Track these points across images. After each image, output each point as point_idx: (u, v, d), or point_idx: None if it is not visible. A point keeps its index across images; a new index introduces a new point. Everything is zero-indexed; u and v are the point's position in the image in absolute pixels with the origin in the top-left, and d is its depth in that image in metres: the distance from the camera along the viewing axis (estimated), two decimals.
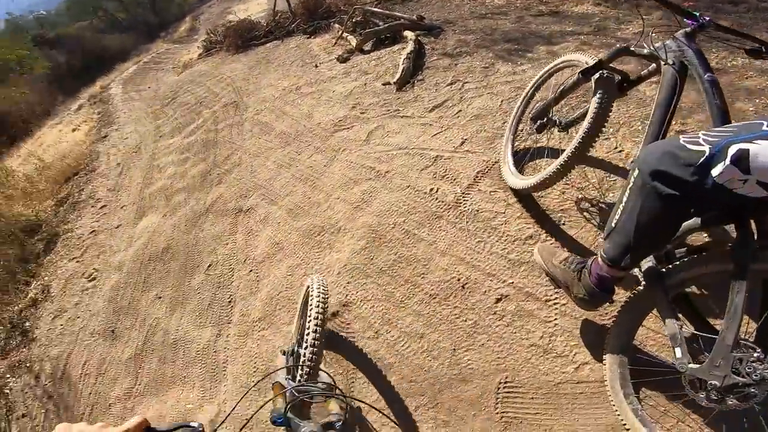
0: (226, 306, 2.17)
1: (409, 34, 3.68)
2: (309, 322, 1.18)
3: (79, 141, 5.97)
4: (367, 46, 4.08)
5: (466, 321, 1.51)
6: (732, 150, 0.78)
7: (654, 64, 1.24)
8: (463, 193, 1.91)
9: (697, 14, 1.14)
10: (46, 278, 3.35)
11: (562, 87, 1.56)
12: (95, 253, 3.31)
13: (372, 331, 1.63)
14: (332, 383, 0.96)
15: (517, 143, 1.85)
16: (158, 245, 2.93)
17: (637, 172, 0.92)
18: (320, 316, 1.20)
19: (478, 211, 1.80)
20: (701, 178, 0.81)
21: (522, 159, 1.81)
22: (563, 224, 1.61)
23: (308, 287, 1.34)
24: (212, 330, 2.10)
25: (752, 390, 0.87)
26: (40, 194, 4.65)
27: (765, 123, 0.79)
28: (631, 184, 0.95)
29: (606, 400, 1.15)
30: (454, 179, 2.01)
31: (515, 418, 1.26)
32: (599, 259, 1.06)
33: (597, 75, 1.34)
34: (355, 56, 4.03)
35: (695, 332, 1.02)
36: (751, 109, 1.80)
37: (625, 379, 1.11)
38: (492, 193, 1.84)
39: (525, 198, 1.75)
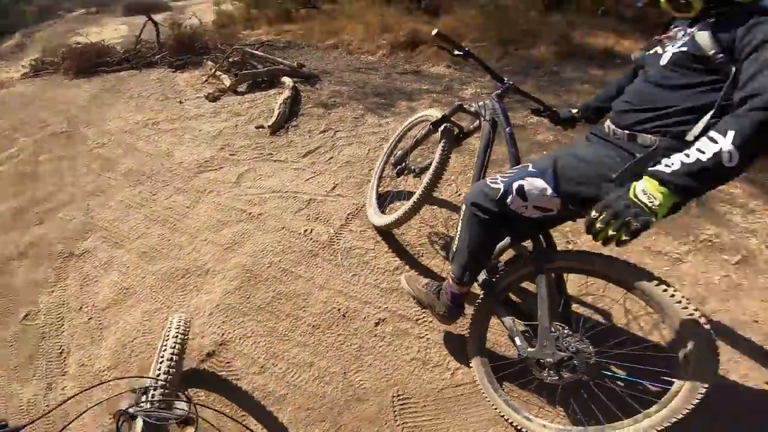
0: (57, 358, 1.82)
1: (287, 80, 3.83)
2: (162, 353, 1.17)
3: None
4: (242, 88, 4.09)
5: (351, 345, 1.63)
6: (515, 186, 1.13)
7: (477, 122, 1.62)
8: (336, 233, 2.07)
9: (505, 79, 1.55)
10: None
11: (416, 137, 1.91)
12: None
13: (257, 366, 1.60)
14: (188, 411, 0.90)
15: (381, 188, 2.13)
16: None
17: (464, 206, 1.24)
18: (176, 346, 1.20)
19: (350, 248, 1.98)
20: (501, 207, 1.16)
21: (384, 201, 2.09)
22: (421, 256, 1.92)
23: (167, 325, 1.31)
24: (38, 383, 1.75)
25: (574, 362, 1.15)
26: None
27: (530, 165, 1.17)
28: (461, 216, 1.26)
29: (482, 397, 1.41)
30: (327, 221, 2.15)
31: (415, 427, 1.41)
32: (449, 279, 1.36)
33: (442, 127, 1.71)
34: (227, 96, 4.00)
35: (524, 324, 1.36)
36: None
37: (490, 376, 1.39)
38: (362, 233, 2.05)
39: (389, 235, 2.01)
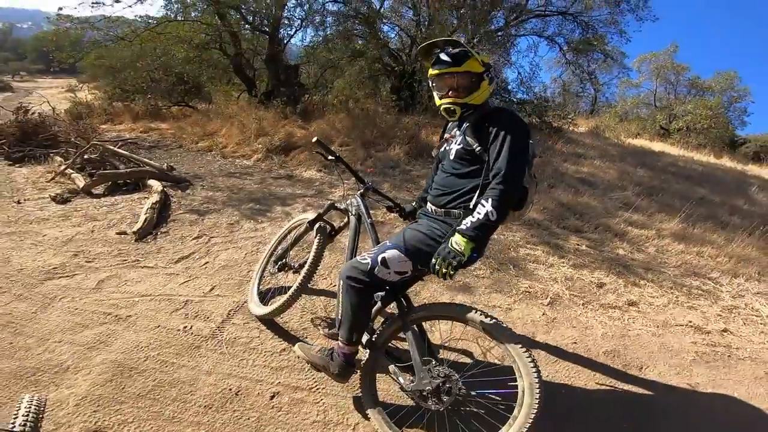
0: None
1: (155, 184, 3.91)
2: (14, 417, 1.17)
3: None
4: (99, 190, 3.99)
5: (249, 419, 1.76)
6: (379, 258, 1.61)
7: (346, 219, 2.13)
8: (218, 327, 2.24)
9: (366, 180, 2.08)
10: None
11: (294, 236, 2.34)
12: None
13: None
14: None
15: (262, 285, 2.43)
16: None
17: (341, 281, 1.68)
18: (27, 424, 1.18)
19: (235, 338, 2.18)
20: (370, 276, 1.62)
21: (266, 296, 2.38)
22: (306, 338, 2.24)
23: (15, 406, 1.24)
24: None
25: (447, 385, 1.54)
26: None
27: (387, 242, 1.68)
28: (339, 289, 1.69)
29: None
30: (208, 317, 2.31)
31: None
32: (340, 343, 1.71)
33: (317, 225, 2.18)
34: (80, 198, 3.85)
35: (402, 365, 1.72)
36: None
37: (388, 422, 1.67)
38: (245, 324, 2.28)
39: (273, 324, 2.29)
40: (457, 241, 1.48)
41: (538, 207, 4.66)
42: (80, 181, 4.00)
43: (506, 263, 3.33)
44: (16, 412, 1.22)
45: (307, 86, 8.86)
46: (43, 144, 5.17)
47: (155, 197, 3.57)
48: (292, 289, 2.10)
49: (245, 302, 2.41)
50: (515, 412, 1.52)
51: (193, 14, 7.97)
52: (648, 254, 3.99)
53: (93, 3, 7.15)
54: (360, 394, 1.80)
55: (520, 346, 1.54)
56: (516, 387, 1.54)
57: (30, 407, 1.23)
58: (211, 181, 4.44)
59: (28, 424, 1.17)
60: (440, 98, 1.65)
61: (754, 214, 5.79)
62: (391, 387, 1.96)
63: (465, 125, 1.63)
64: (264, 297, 2.36)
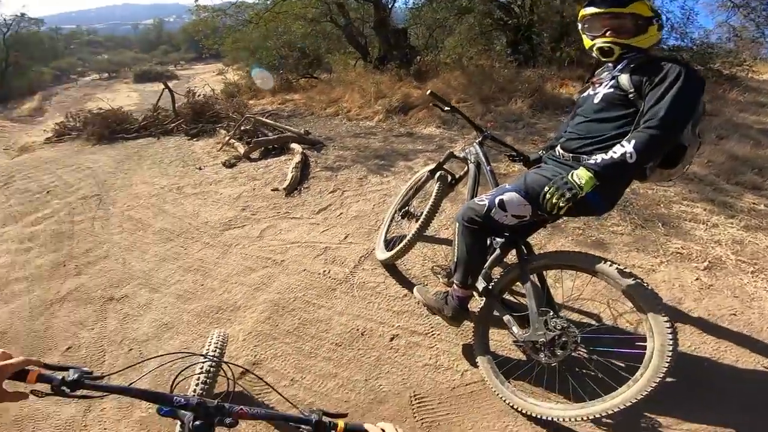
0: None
1: (296, 147, 4.46)
2: (207, 347, 1.52)
3: None
4: (255, 155, 4.70)
5: (370, 357, 1.98)
6: (497, 200, 1.56)
7: (466, 168, 2.13)
8: (350, 272, 2.52)
9: (484, 129, 2.08)
10: None
11: (416, 186, 2.44)
12: None
13: (287, 380, 1.92)
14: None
15: (390, 233, 2.60)
16: None
17: (456, 223, 1.69)
18: (218, 344, 1.52)
19: (364, 283, 2.43)
20: (486, 218, 1.58)
21: (391, 242, 2.54)
22: (425, 285, 2.36)
23: (208, 337, 1.61)
24: (76, 406, 1.96)
25: (563, 338, 1.47)
26: None
27: (506, 185, 1.61)
28: (456, 232, 1.70)
29: (491, 393, 1.69)
30: (343, 263, 2.61)
31: (432, 422, 1.68)
32: (455, 285, 1.73)
33: (437, 174, 2.23)
34: (242, 163, 4.60)
35: (518, 315, 1.68)
36: None
37: (496, 372, 1.68)
38: (374, 270, 2.52)
39: (396, 271, 2.47)
40: (579, 174, 1.35)
41: (701, 160, 3.81)
42: (241, 148, 4.80)
43: (653, 220, 2.88)
44: (208, 344, 1.55)
45: (417, 48, 8.81)
46: (210, 120, 6.28)
47: (297, 158, 4.10)
48: (409, 235, 2.22)
49: (374, 249, 2.64)
50: (638, 373, 1.39)
51: None
52: None
53: None
54: (472, 343, 1.84)
55: (655, 301, 1.38)
56: (643, 348, 1.40)
57: (218, 340, 1.56)
58: (341, 142, 4.83)
59: (217, 352, 1.50)
60: (593, 39, 1.51)
61: None
62: (504, 339, 1.97)
63: (621, 68, 1.46)
64: (389, 244, 2.54)
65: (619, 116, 1.43)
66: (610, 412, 1.41)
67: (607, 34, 1.46)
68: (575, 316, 2.08)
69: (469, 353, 1.89)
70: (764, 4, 7.45)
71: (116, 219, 3.71)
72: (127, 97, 10.70)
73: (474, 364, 1.81)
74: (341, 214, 3.16)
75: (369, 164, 4.01)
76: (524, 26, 7.46)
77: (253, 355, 2.06)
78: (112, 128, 6.25)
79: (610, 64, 1.53)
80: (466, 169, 2.14)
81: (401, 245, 2.26)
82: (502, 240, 1.77)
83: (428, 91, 2.12)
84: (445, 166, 2.26)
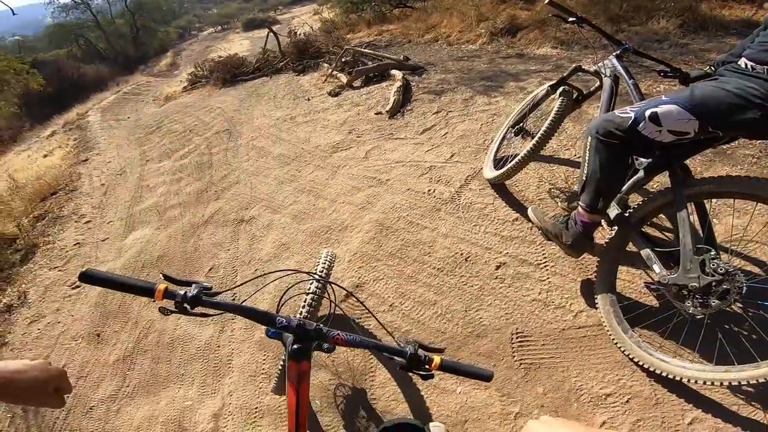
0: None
1: (396, 73, 4.38)
2: (316, 267, 1.58)
3: (53, 165, 6.11)
4: (357, 83, 4.74)
5: (472, 287, 1.86)
6: (647, 113, 1.27)
7: (598, 83, 1.83)
8: (456, 191, 2.41)
9: (623, 41, 1.74)
10: (22, 286, 3.41)
11: (534, 102, 2.17)
12: (79, 263, 3.45)
13: (386, 305, 1.94)
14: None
15: (501, 152, 2.41)
16: (152, 254, 3.14)
17: (589, 137, 1.41)
18: (326, 263, 1.57)
19: (471, 203, 2.30)
20: (630, 132, 1.30)
21: (502, 161, 2.34)
22: (545, 209, 2.10)
23: (319, 256, 1.67)
24: (214, 327, 2.25)
25: (724, 285, 1.19)
26: (13, 212, 4.72)
27: (663, 96, 1.31)
28: (588, 146, 1.42)
29: (608, 340, 1.46)
30: (448, 182, 2.51)
31: (532, 364, 1.53)
32: (580, 209, 1.48)
33: (560, 88, 1.94)
34: (346, 91, 4.67)
35: (663, 250, 1.38)
36: None
37: (619, 317, 1.43)
38: (481, 190, 2.36)
39: (507, 192, 2.27)
40: None
41: None
42: (343, 78, 4.89)
43: None
44: (317, 263, 1.59)
45: None
46: (313, 56, 6.51)
47: (399, 83, 4.03)
48: (522, 153, 2.00)
49: (482, 169, 2.47)
50: None
51: None
52: None
53: None
54: (594, 279, 1.56)
55: None
56: None
57: (326, 260, 1.59)
58: (443, 66, 4.57)
59: (324, 272, 1.54)
60: None
61: None
62: (634, 280, 1.66)
63: None
64: (499, 162, 2.35)
65: None
66: (763, 380, 1.13)
67: None
68: (736, 262, 1.64)
69: (588, 292, 1.63)
70: None
71: (243, 149, 4.18)
72: (239, 45, 11.58)
73: (592, 305, 1.57)
74: (446, 133, 3.03)
75: (475, 86, 3.71)
76: None
77: (357, 276, 2.11)
78: (232, 72, 6.90)
79: None
80: (598, 84, 1.82)
81: (512, 163, 2.06)
82: (650, 160, 1.44)
83: (546, 1, 1.81)
84: (569, 81, 1.96)
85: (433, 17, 7.02)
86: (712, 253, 1.24)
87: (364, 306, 0.98)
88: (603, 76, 1.76)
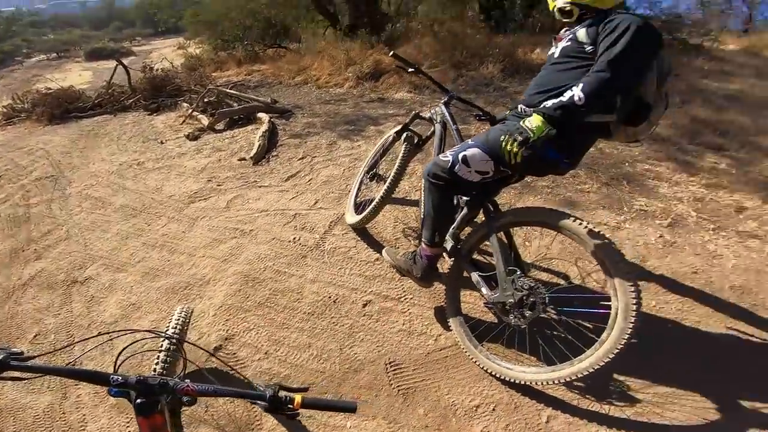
0: None
1: (263, 116, 4.34)
2: (167, 325, 1.49)
3: None
4: (220, 126, 4.55)
5: (343, 326, 1.96)
6: (460, 156, 1.55)
7: (433, 127, 2.10)
8: (321, 237, 2.48)
9: (449, 89, 2.06)
10: None
11: (383, 148, 2.40)
12: None
13: (261, 353, 1.90)
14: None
15: (360, 197, 2.56)
16: None
17: (423, 180, 1.67)
18: (180, 321, 1.49)
19: (335, 248, 2.39)
20: (450, 173, 1.57)
21: (361, 206, 2.50)
22: (397, 247, 2.35)
23: (171, 314, 1.57)
24: (53, 393, 1.95)
25: (531, 299, 1.48)
26: None
27: (469, 141, 1.62)
28: (423, 188, 1.68)
29: (465, 357, 1.67)
30: (313, 229, 2.57)
31: (409, 389, 1.67)
32: (423, 244, 1.73)
33: (404, 134, 2.20)
34: (207, 135, 4.43)
35: (486, 275, 1.68)
36: None
37: (469, 335, 1.68)
38: (344, 235, 2.48)
39: (368, 235, 2.44)
40: (530, 119, 1.38)
41: (666, 122, 3.85)
42: (205, 120, 4.62)
43: (618, 178, 2.93)
44: (169, 321, 1.50)
45: (389, 14, 8.59)
46: (171, 94, 6.03)
47: (265, 127, 3.99)
48: (377, 198, 2.19)
49: (344, 214, 2.60)
50: (604, 335, 1.40)
51: None
52: None
53: None
54: (444, 305, 1.81)
55: (617, 258, 1.39)
56: (608, 308, 1.40)
57: (180, 317, 1.52)
58: (310, 109, 4.71)
59: (178, 329, 1.46)
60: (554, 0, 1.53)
61: None
62: (476, 301, 1.95)
63: (579, 25, 1.47)
64: (358, 207, 2.50)
65: (577, 67, 1.44)
66: (579, 375, 1.42)
67: None
68: (544, 276, 2.09)
69: (442, 317, 1.86)
70: None
71: (75, 199, 3.55)
72: (79, 76, 10.11)
73: (447, 328, 1.79)
74: (311, 180, 3.09)
75: (339, 130, 3.91)
76: None
77: (225, 329, 2.02)
78: (64, 107, 5.90)
79: (569, 27, 1.53)
80: (432, 129, 2.11)
81: (370, 208, 2.24)
82: (468, 198, 1.76)
83: (391, 53, 2.07)
84: (411, 128, 2.22)
85: (306, 59, 7.29)
86: (518, 273, 1.54)
87: (208, 352, 0.99)
88: (434, 122, 2.04)
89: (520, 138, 1.36)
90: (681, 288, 2.07)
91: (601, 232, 1.44)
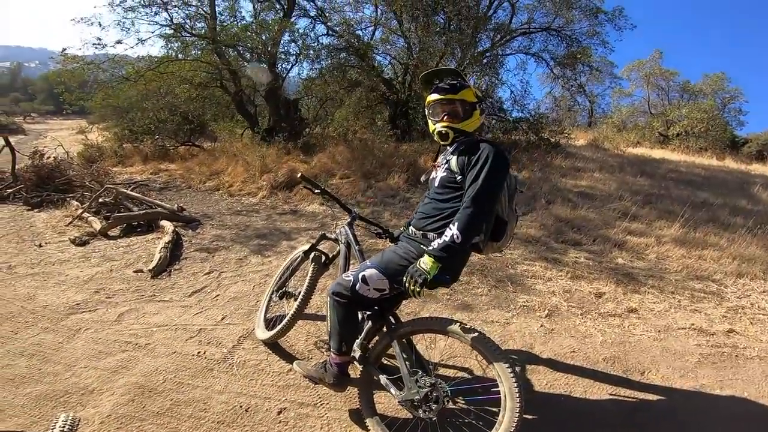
0: None
1: (167, 224, 4.26)
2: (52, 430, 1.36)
3: None
4: (115, 232, 4.32)
5: None
6: (360, 276, 1.79)
7: (339, 247, 2.33)
8: (229, 351, 2.48)
9: (352, 210, 2.28)
10: None
11: (291, 267, 2.58)
12: None
13: None
14: None
15: (269, 313, 2.66)
16: None
17: (328, 298, 1.89)
18: (67, 428, 1.40)
19: (245, 361, 2.40)
20: (352, 292, 1.80)
21: (271, 322, 2.58)
22: (310, 359, 2.45)
23: (52, 423, 1.45)
24: None
25: (434, 393, 1.68)
26: None
27: (368, 262, 1.86)
28: (328, 305, 1.90)
29: None
30: (220, 343, 2.56)
31: None
32: (331, 354, 1.91)
33: (312, 254, 2.41)
34: (97, 240, 4.19)
35: (393, 377, 1.84)
36: None
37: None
38: (254, 348, 2.52)
39: (280, 348, 2.52)
40: (425, 261, 1.65)
41: (537, 224, 4.86)
42: (97, 224, 4.33)
43: (504, 280, 3.53)
44: (52, 428, 1.39)
45: (307, 120, 9.34)
46: (60, 188, 5.58)
47: (168, 237, 3.89)
48: (288, 315, 2.33)
49: (254, 329, 2.65)
50: (500, 416, 1.63)
51: (193, 52, 8.36)
52: (648, 261, 4.15)
53: (95, 44, 7.67)
54: (359, 408, 1.96)
55: (497, 351, 1.69)
56: (499, 393, 1.65)
57: (65, 426, 1.42)
58: (220, 220, 4.81)
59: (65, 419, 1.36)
60: (435, 123, 1.84)
61: (758, 212, 5.94)
62: (391, 400, 2.07)
63: (452, 150, 1.81)
64: (269, 323, 2.58)
65: (454, 197, 1.76)
66: None
67: (445, 118, 1.80)
68: (451, 372, 2.36)
69: (359, 418, 1.97)
70: (575, 74, 10.25)
71: None
72: None
73: (365, 429, 1.90)
74: (218, 296, 3.12)
75: (250, 244, 4.05)
76: (403, 102, 8.75)
77: None
78: None
79: (447, 148, 1.86)
80: (338, 249, 2.35)
81: (282, 325, 2.34)
82: (371, 312, 1.98)
83: (299, 174, 2.32)
84: (319, 247, 2.46)
85: (220, 162, 7.46)
86: (420, 373, 1.77)
87: None
88: (339, 243, 2.30)
89: (420, 280, 1.63)
90: (564, 366, 2.51)
91: (475, 328, 1.76)
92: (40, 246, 4.03)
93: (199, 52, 8.43)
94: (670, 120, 17.92)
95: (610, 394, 2.29)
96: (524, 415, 1.64)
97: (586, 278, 3.68)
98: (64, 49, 8.37)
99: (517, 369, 1.72)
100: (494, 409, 1.70)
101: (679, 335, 2.92)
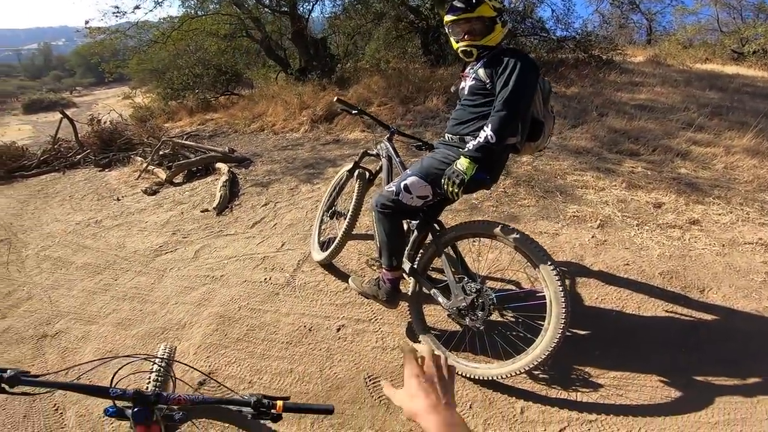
0: (52, 414, 2.19)
1: (222, 166, 4.69)
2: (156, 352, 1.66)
3: None
4: (179, 179, 4.84)
5: (321, 350, 2.22)
6: (402, 185, 1.88)
7: (380, 162, 2.47)
8: (291, 275, 2.81)
9: (390, 126, 2.42)
10: None
11: (338, 186, 2.77)
12: None
13: (245, 383, 2.11)
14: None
15: (323, 235, 2.92)
16: None
17: (374, 211, 1.99)
18: (165, 356, 1.66)
19: (305, 283, 2.72)
20: (396, 202, 1.91)
21: (326, 243, 2.83)
22: (363, 276, 2.69)
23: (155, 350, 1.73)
24: None
25: (480, 300, 1.78)
26: None
27: (408, 171, 1.94)
28: (374, 219, 2.00)
29: None
30: (282, 269, 2.90)
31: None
32: (383, 269, 2.04)
33: (356, 172, 2.56)
34: (165, 188, 4.71)
35: (441, 287, 1.98)
36: None
37: (437, 343, 1.97)
38: (312, 271, 2.82)
39: (335, 268, 2.78)
40: (461, 162, 1.72)
41: (588, 135, 4.65)
42: (162, 174, 4.89)
43: (552, 191, 3.53)
44: (156, 352, 1.66)
45: (338, 56, 9.31)
46: (122, 147, 6.18)
47: (224, 177, 4.33)
48: (339, 235, 2.54)
49: (310, 252, 2.95)
50: (545, 323, 1.66)
51: (211, 6, 8.47)
52: (714, 171, 3.91)
53: (114, 12, 7.93)
54: (410, 321, 2.15)
55: (542, 254, 1.69)
56: (544, 298, 1.68)
57: (165, 351, 1.68)
58: (269, 156, 5.14)
59: (164, 362, 1.61)
60: (457, 42, 1.87)
61: None
62: (440, 313, 2.29)
63: (478, 64, 1.83)
64: (323, 245, 2.84)
65: (484, 103, 1.82)
66: (536, 362, 1.66)
67: (466, 37, 1.83)
68: (499, 285, 2.49)
69: (411, 331, 2.17)
70: None
71: (32, 261, 3.71)
72: (18, 131, 10.07)
73: (417, 341, 2.08)
74: (276, 224, 3.47)
75: (299, 174, 4.34)
76: (433, 28, 8.33)
77: (207, 365, 2.22)
78: (7, 166, 6.01)
79: (472, 64, 1.88)
80: (380, 164, 2.47)
81: (334, 245, 2.57)
82: (417, 222, 2.12)
83: (335, 99, 2.38)
84: (361, 164, 2.58)
85: (260, 105, 7.73)
86: (466, 279, 1.88)
87: (193, 368, 1.23)
88: (381, 157, 2.42)
89: (457, 180, 1.69)
90: (617, 280, 2.50)
91: (517, 228, 1.78)
92: (119, 200, 4.62)
93: (217, 6, 8.47)
94: (745, 38, 15.01)
95: (666, 312, 2.24)
96: (572, 330, 1.73)
97: (643, 188, 3.55)
98: (87, 22, 8.74)
99: (563, 271, 1.74)
100: (541, 323, 1.73)
101: (745, 251, 2.75)
